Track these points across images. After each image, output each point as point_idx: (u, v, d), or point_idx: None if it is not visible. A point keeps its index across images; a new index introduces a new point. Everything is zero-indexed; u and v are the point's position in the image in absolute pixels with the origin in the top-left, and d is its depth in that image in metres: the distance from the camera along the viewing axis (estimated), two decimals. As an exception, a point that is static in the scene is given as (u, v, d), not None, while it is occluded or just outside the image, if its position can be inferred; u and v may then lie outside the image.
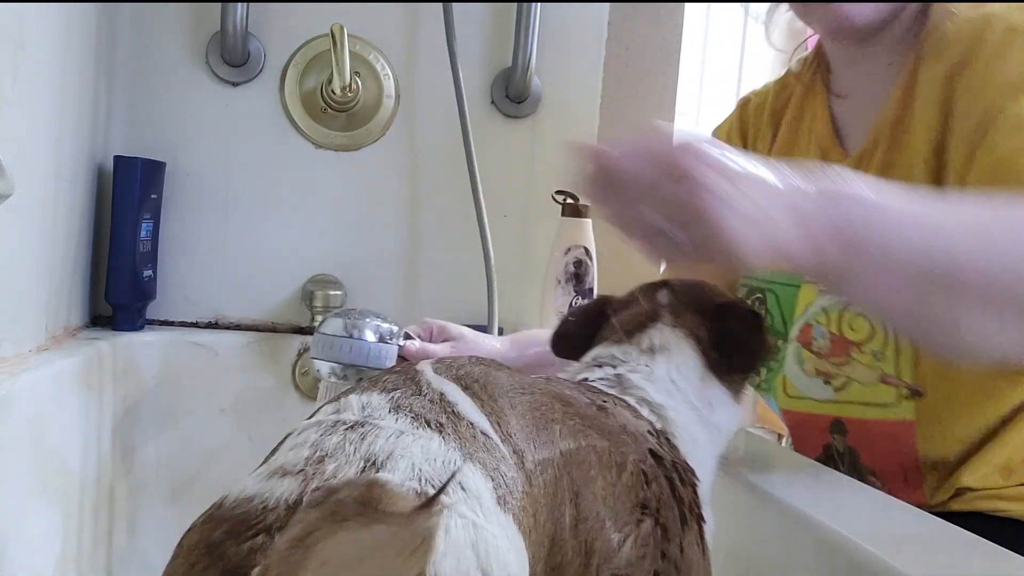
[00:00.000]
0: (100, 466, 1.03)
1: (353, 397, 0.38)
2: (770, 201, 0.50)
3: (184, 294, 1.25)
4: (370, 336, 0.87)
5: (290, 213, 1.27)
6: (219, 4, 1.18)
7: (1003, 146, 0.67)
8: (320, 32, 1.24)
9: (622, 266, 1.08)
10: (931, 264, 0.52)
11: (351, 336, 0.87)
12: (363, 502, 0.26)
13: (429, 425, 0.36)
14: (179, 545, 0.34)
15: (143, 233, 1.15)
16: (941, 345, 0.57)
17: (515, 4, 1.27)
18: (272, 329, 1.26)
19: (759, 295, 0.91)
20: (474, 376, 0.42)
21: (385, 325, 0.89)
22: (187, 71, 1.22)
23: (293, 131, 1.26)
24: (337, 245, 1.28)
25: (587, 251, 1.22)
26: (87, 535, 0.97)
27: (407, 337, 0.90)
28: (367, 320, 0.88)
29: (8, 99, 0.79)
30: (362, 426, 0.35)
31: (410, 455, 0.33)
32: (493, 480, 0.34)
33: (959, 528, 0.55)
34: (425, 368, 0.41)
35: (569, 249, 1.21)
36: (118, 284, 1.14)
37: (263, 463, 0.36)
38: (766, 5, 0.94)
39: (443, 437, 0.35)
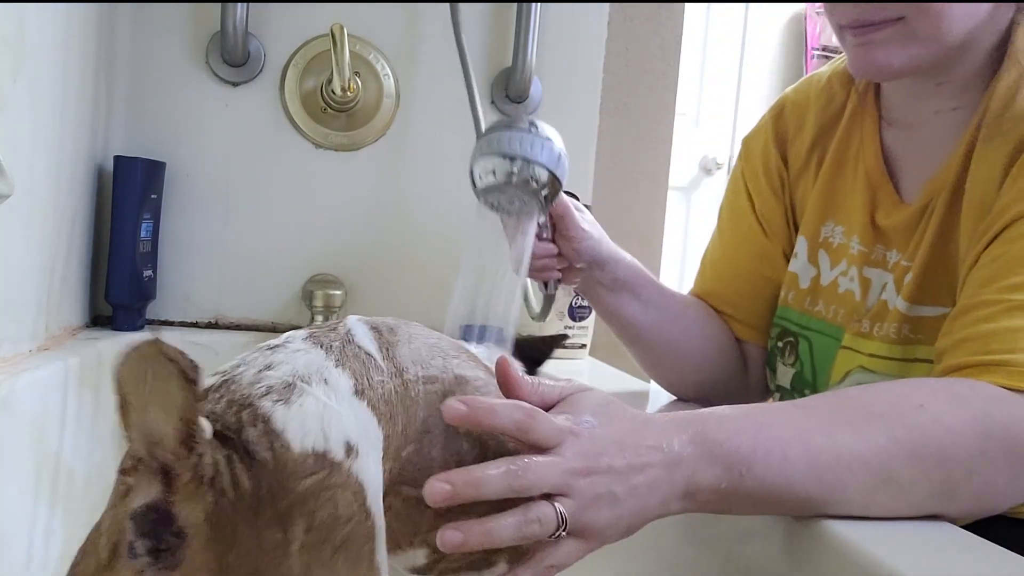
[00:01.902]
0: (100, 466, 1.03)
1: (291, 332, 0.51)
2: (634, 503, 0.50)
3: (184, 294, 1.25)
4: (549, 137, 0.72)
5: (290, 213, 1.27)
6: (219, 4, 1.18)
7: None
8: (320, 32, 1.24)
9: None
10: (814, 484, 0.53)
11: (527, 132, 0.72)
12: (129, 346, 0.40)
13: (321, 347, 0.49)
14: None
15: (143, 233, 1.15)
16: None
17: (515, 4, 1.27)
18: (272, 329, 1.26)
19: (791, 339, 0.87)
20: (385, 322, 0.55)
21: (553, 130, 0.74)
22: (187, 71, 1.22)
23: (293, 131, 1.26)
24: (337, 245, 1.28)
25: (587, 251, 1.21)
26: (87, 535, 0.97)
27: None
28: (534, 121, 0.73)
29: (8, 99, 0.79)
30: (277, 347, 0.49)
31: (293, 362, 0.47)
32: (355, 379, 0.48)
33: (960, 528, 0.56)
34: (350, 317, 0.54)
35: (569, 249, 1.20)
36: (118, 284, 1.14)
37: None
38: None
39: (327, 353, 0.49)
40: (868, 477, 0.54)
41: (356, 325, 0.53)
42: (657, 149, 1.40)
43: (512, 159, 0.71)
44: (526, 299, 0.91)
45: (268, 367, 0.47)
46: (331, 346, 0.50)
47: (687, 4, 1.40)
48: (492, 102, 1.30)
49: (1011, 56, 0.70)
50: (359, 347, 0.51)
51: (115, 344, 1.10)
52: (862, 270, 0.81)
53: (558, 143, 0.73)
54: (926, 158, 0.77)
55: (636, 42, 1.37)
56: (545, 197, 0.74)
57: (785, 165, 0.90)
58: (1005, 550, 0.52)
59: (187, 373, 0.38)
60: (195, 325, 1.25)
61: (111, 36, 1.17)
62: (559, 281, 0.88)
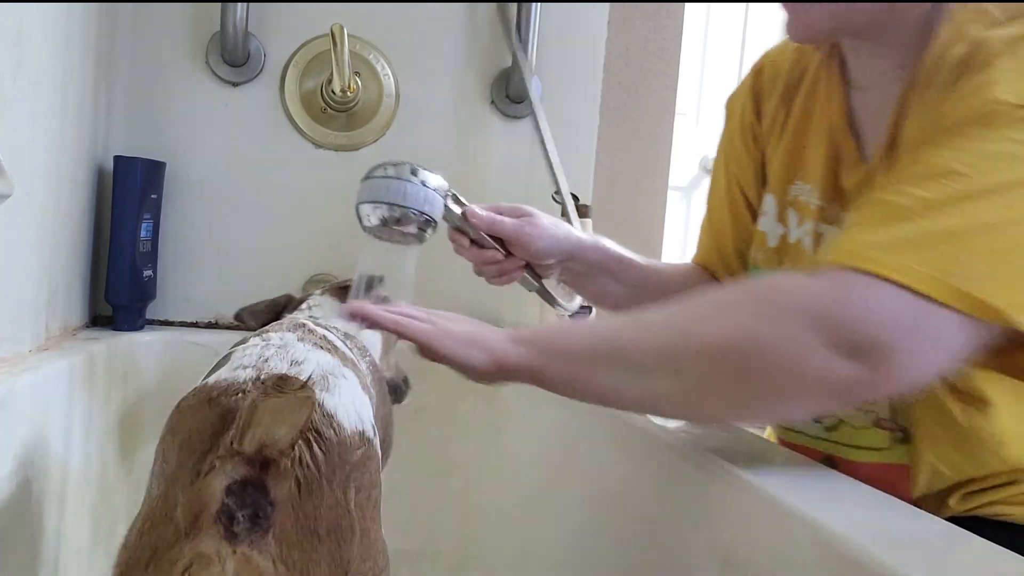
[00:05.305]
0: (100, 466, 1.03)
1: (273, 335, 0.61)
2: (478, 328, 0.69)
3: (184, 294, 1.25)
4: (415, 179, 0.85)
5: (290, 213, 1.27)
6: (219, 4, 1.18)
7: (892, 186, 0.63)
8: (320, 32, 1.24)
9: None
10: (602, 348, 0.65)
11: (397, 177, 0.84)
12: (278, 386, 0.47)
13: (323, 348, 0.61)
14: (177, 407, 0.55)
15: (143, 233, 1.15)
16: (629, 407, 0.71)
17: (515, 4, 1.27)
18: (272, 329, 1.26)
19: None
20: (333, 325, 0.71)
21: (432, 175, 0.86)
22: (187, 71, 1.22)
23: (293, 131, 1.26)
24: (337, 245, 1.28)
25: (587, 251, 1.22)
26: (87, 535, 0.97)
27: (456, 200, 0.89)
28: (410, 165, 0.86)
29: (8, 99, 0.79)
30: (284, 347, 0.58)
31: (315, 359, 0.58)
32: (358, 377, 0.61)
33: (960, 528, 0.55)
34: (309, 323, 0.66)
35: (569, 249, 1.21)
36: (118, 284, 1.14)
37: (220, 367, 0.59)
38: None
39: (331, 354, 0.61)
40: (645, 359, 0.62)
41: (327, 334, 0.63)
42: (657, 149, 1.40)
43: (389, 205, 0.84)
44: (551, 299, 1.00)
45: (296, 362, 0.57)
46: (327, 348, 0.60)
47: (687, 4, 1.40)
48: (492, 102, 1.30)
49: (946, 14, 0.69)
50: (343, 352, 0.61)
51: (115, 344, 1.10)
52: (816, 225, 0.80)
53: (432, 183, 0.85)
54: (881, 118, 0.76)
55: (636, 42, 1.37)
56: (421, 230, 0.87)
57: (759, 122, 0.91)
58: (1005, 550, 0.52)
59: (312, 401, 0.48)
60: (195, 325, 1.25)
61: (111, 36, 1.17)
62: (539, 278, 0.96)
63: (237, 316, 1.00)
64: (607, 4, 1.34)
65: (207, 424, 0.51)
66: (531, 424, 1.16)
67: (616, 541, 0.84)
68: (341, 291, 0.97)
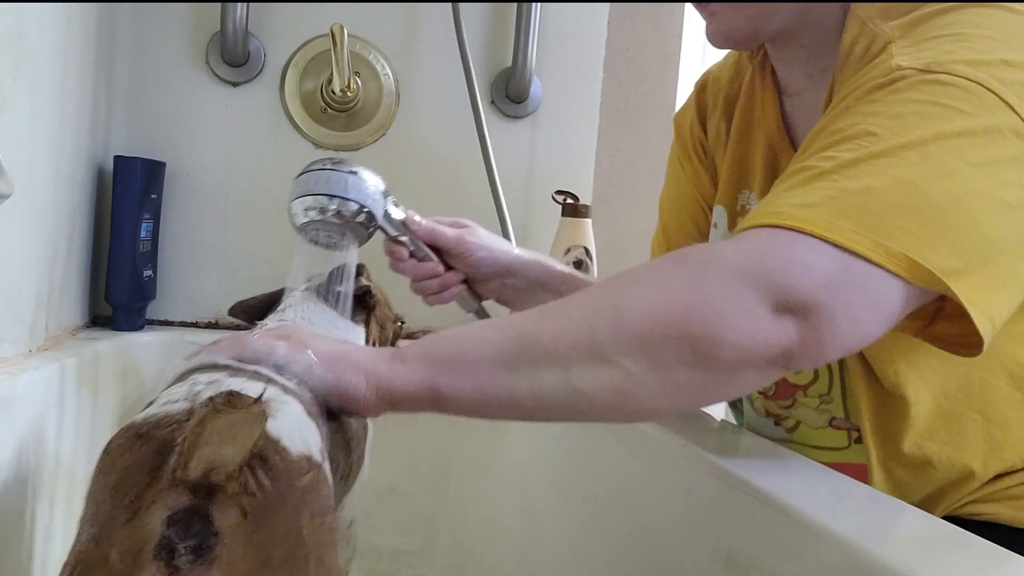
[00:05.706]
0: (100, 466, 1.03)
1: (200, 376, 0.56)
2: (341, 344, 0.59)
3: (184, 294, 1.25)
4: (354, 174, 0.80)
5: (290, 213, 1.27)
6: (219, 4, 1.18)
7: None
8: (320, 32, 1.24)
9: (621, 266, 1.08)
10: (512, 346, 0.56)
11: (335, 169, 0.80)
12: (229, 402, 0.47)
13: (259, 380, 0.56)
14: (105, 449, 0.49)
15: (143, 233, 1.15)
16: (555, 415, 0.59)
17: (515, 4, 1.27)
18: (272, 329, 1.26)
19: None
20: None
21: (372, 175, 0.82)
22: (187, 71, 1.22)
23: (293, 131, 1.26)
24: (337, 245, 1.28)
25: (587, 251, 1.22)
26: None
27: (396, 205, 0.85)
28: (349, 163, 0.82)
29: (8, 99, 0.79)
30: (216, 382, 0.54)
31: (251, 390, 0.52)
32: (303, 405, 0.56)
33: (960, 528, 0.55)
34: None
35: (569, 249, 1.21)
36: (118, 284, 1.14)
37: (147, 407, 0.54)
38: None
39: (269, 385, 0.55)
40: (570, 351, 0.55)
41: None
42: (657, 149, 1.40)
43: (328, 197, 0.79)
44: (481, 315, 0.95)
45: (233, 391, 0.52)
46: (265, 380, 0.57)
47: (687, 4, 1.40)
48: (492, 102, 1.31)
49: (852, 13, 0.69)
50: (283, 384, 0.57)
51: (114, 344, 1.10)
52: None
53: (370, 181, 0.80)
54: (813, 121, 0.76)
55: (636, 42, 1.37)
56: (361, 226, 0.81)
57: (707, 137, 0.92)
58: (1004, 549, 0.52)
59: (266, 416, 0.47)
60: (195, 325, 1.25)
61: (111, 36, 1.17)
62: (479, 298, 0.92)
63: (231, 311, 0.94)
64: (607, 4, 1.34)
65: (141, 461, 0.47)
66: (531, 424, 1.16)
67: (617, 541, 0.84)
68: (321, 285, 0.94)
